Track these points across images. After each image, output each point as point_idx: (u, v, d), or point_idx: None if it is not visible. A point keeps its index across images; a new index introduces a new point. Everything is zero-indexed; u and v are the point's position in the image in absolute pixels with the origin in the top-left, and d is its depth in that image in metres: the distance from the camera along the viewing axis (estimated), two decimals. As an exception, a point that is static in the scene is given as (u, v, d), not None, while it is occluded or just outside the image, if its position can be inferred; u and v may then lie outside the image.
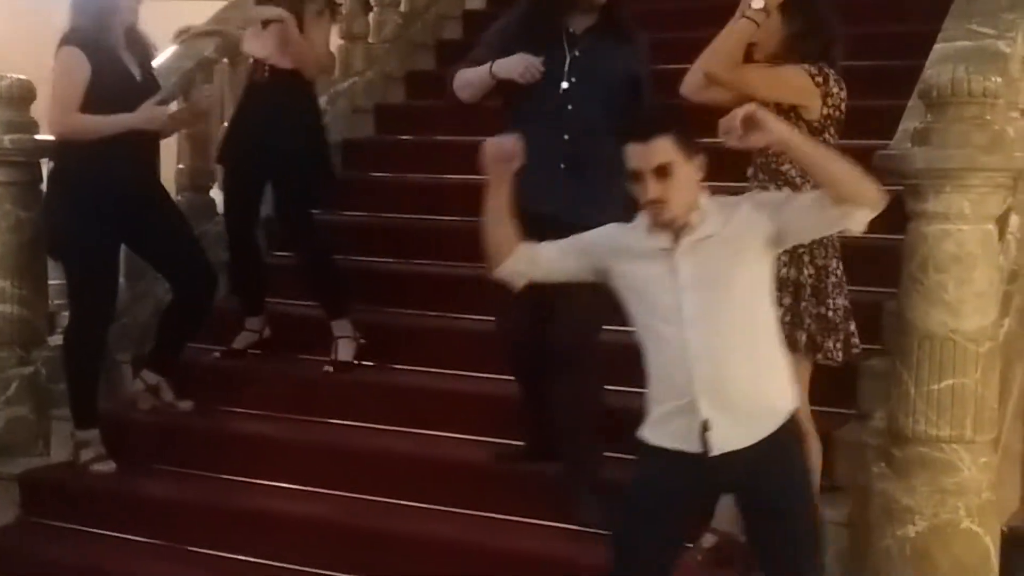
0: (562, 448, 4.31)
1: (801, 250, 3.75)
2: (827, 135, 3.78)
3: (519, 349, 4.36)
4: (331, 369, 5.27)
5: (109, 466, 4.98)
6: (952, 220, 3.66)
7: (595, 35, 4.24)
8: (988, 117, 3.69)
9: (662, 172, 3.01)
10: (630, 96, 4.17)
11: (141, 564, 4.63)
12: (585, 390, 4.22)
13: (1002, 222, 4.05)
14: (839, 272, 3.87)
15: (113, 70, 4.82)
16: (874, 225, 3.20)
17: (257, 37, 5.31)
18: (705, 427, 3.07)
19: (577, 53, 4.21)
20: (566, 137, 4.18)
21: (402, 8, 7.17)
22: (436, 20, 7.40)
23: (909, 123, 3.97)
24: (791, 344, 3.66)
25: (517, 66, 4.11)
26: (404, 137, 6.77)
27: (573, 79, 4.17)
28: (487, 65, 4.20)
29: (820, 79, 3.76)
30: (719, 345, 3.08)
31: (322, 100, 6.55)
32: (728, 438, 3.08)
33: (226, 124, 5.82)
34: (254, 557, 4.57)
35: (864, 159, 3.53)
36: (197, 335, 5.31)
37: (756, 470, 3.14)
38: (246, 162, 5.39)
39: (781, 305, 3.71)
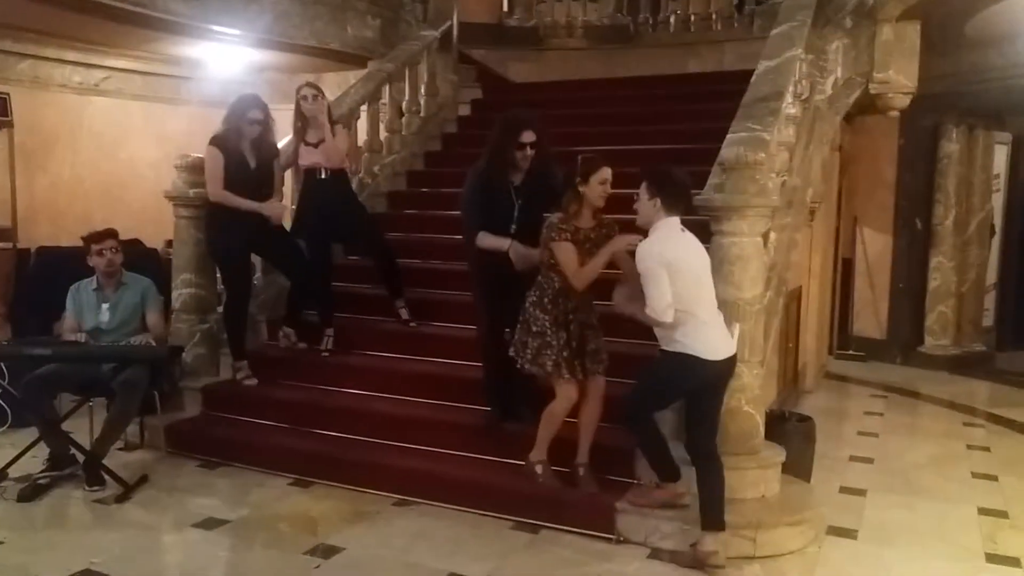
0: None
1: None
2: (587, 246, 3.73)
3: (499, 343, 4.08)
4: (410, 322, 5.16)
5: (253, 381, 5.01)
6: (736, 235, 3.76)
7: (529, 186, 4.01)
8: (757, 177, 3.78)
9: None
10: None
11: (275, 439, 4.64)
12: None
13: (766, 236, 4.15)
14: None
15: (236, 161, 4.72)
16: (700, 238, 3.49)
17: (311, 153, 5.06)
18: None
19: (520, 202, 4.01)
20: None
21: (421, 114, 7.14)
22: (442, 120, 7.37)
23: (713, 179, 4.03)
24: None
25: (519, 262, 3.92)
26: (423, 189, 6.73)
27: (517, 224, 3.99)
28: (507, 244, 3.93)
29: (563, 230, 3.70)
30: None
31: (376, 168, 6.61)
32: None
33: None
34: (343, 433, 4.58)
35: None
36: (308, 306, 5.24)
37: None
38: (323, 231, 5.11)
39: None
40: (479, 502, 3.96)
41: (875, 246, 8.34)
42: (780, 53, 4.73)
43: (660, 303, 3.36)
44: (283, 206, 4.97)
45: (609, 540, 3.68)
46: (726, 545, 3.49)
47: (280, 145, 5.51)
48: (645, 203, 3.49)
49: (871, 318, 8.40)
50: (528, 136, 3.91)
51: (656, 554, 3.59)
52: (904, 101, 5.71)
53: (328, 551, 3.57)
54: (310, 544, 3.63)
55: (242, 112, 4.70)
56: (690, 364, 3.43)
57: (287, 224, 5.19)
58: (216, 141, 4.75)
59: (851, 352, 8.38)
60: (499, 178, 4.00)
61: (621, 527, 3.68)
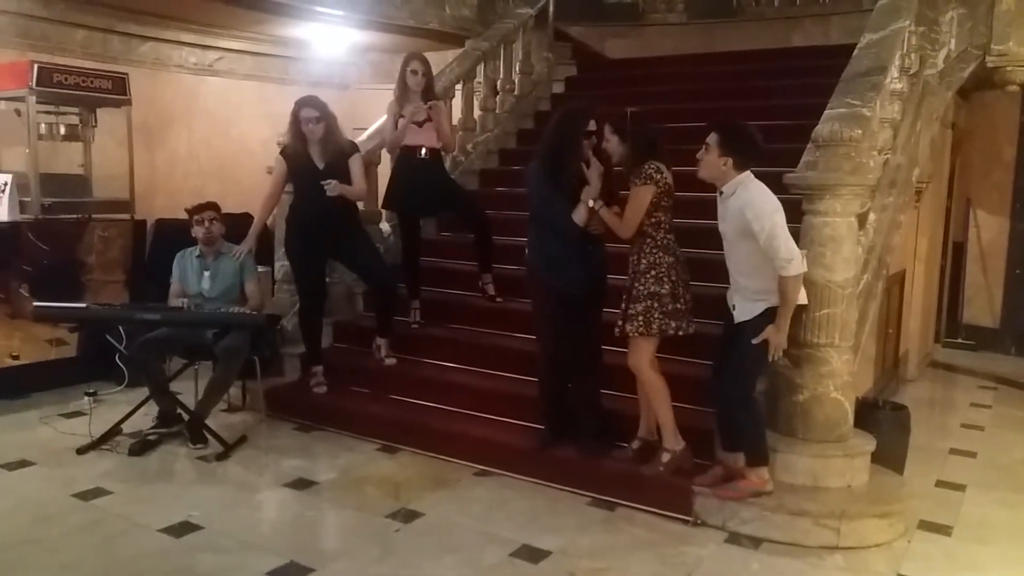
0: (583, 413, 4.04)
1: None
2: (663, 202, 3.60)
3: (563, 362, 3.98)
4: (496, 297, 5.12)
5: (323, 389, 4.89)
6: (829, 215, 3.61)
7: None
8: (852, 154, 3.61)
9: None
10: None
11: (366, 406, 4.73)
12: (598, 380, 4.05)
13: (863, 217, 3.98)
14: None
15: (302, 165, 4.60)
16: (790, 218, 3.31)
17: (416, 132, 4.93)
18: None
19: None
20: (590, 248, 3.87)
21: (515, 93, 7.12)
22: (535, 99, 7.32)
23: (807, 157, 3.89)
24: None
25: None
26: (515, 167, 6.66)
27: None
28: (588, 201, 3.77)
29: (653, 172, 3.57)
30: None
31: (469, 146, 6.62)
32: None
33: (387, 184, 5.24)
34: (429, 402, 4.66)
35: (780, 180, 3.53)
36: (395, 310, 5.05)
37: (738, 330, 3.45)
38: (418, 206, 5.10)
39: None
40: (557, 476, 3.95)
41: (990, 230, 7.80)
42: (885, 25, 4.47)
43: (797, 250, 3.29)
44: (246, 250, 4.67)
45: (686, 522, 3.60)
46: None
47: (375, 126, 5.51)
48: (715, 160, 3.36)
49: (983, 305, 7.89)
50: (593, 125, 3.79)
51: (734, 538, 3.48)
52: (1024, 75, 5.30)
53: (409, 516, 3.65)
54: (392, 508, 3.72)
55: (297, 113, 4.55)
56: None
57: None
58: (283, 150, 4.68)
59: (960, 341, 7.92)
60: (568, 168, 3.81)
61: (698, 509, 3.60)
